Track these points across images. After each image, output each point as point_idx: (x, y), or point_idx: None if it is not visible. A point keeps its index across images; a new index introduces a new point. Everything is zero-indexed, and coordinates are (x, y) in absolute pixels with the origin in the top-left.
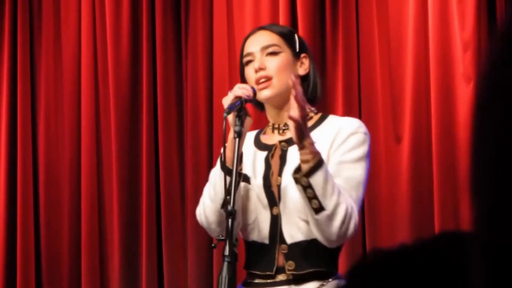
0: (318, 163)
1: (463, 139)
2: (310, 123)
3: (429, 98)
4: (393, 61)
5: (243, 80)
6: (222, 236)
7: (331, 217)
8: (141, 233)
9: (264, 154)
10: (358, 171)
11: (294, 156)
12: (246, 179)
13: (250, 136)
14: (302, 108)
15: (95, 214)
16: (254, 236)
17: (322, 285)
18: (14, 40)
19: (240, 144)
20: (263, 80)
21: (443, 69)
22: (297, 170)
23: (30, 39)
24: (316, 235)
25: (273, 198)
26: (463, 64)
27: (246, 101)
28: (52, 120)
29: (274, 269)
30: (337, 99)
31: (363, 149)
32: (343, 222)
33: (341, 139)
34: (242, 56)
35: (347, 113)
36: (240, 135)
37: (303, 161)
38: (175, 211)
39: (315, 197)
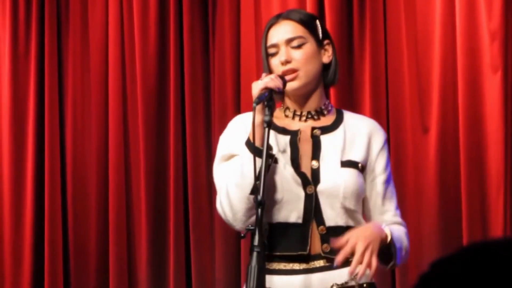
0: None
1: (491, 130)
2: (332, 116)
3: (456, 89)
4: (420, 52)
5: (266, 67)
6: (251, 226)
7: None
8: (169, 224)
9: (287, 137)
10: (393, 187)
11: (328, 143)
12: (271, 158)
13: (247, 119)
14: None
15: (123, 206)
16: (281, 217)
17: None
18: (41, 34)
19: (269, 133)
20: (289, 73)
21: (470, 59)
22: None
23: (58, 33)
24: None
25: (305, 178)
26: (491, 55)
27: (276, 92)
28: (79, 113)
29: (308, 248)
30: (364, 90)
31: (388, 157)
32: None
33: (376, 154)
34: (265, 45)
35: (374, 104)
36: (269, 125)
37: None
38: (202, 202)
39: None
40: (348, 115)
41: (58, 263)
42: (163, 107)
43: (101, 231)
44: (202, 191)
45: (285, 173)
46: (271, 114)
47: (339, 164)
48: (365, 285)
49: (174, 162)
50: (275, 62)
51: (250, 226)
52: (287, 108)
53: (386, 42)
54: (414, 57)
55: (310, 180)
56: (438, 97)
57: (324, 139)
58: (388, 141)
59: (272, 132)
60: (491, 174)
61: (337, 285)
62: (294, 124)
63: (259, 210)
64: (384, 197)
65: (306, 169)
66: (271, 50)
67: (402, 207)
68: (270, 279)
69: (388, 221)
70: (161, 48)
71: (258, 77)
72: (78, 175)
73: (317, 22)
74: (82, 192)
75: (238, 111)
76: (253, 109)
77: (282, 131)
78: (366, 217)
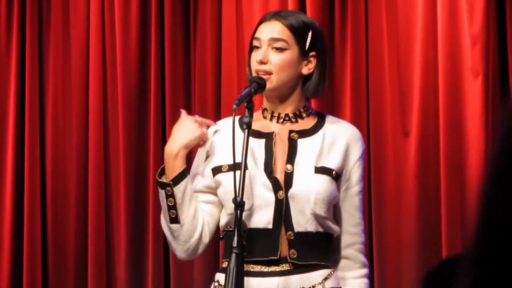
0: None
1: (471, 134)
2: (312, 119)
3: (437, 93)
4: (401, 56)
5: (248, 59)
6: (230, 227)
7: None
8: (148, 224)
9: (261, 141)
10: (361, 202)
11: (305, 148)
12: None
13: (230, 122)
14: None
15: (102, 205)
16: (252, 222)
17: (326, 278)
18: (22, 34)
19: (249, 135)
20: (261, 73)
21: (452, 63)
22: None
23: (39, 32)
24: None
25: (277, 182)
26: (472, 59)
27: (256, 91)
28: (60, 113)
29: (279, 253)
30: (345, 94)
31: (363, 168)
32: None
33: (354, 161)
34: (252, 37)
35: (355, 107)
36: (249, 126)
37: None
38: None
39: None
40: (330, 120)
41: (36, 261)
42: (144, 107)
43: (80, 230)
44: None
45: (256, 178)
46: (251, 115)
47: (313, 170)
48: None
49: (153, 162)
50: (254, 56)
51: (229, 227)
52: (265, 109)
53: (367, 45)
54: (395, 60)
55: (281, 185)
56: (418, 101)
57: (301, 143)
58: (368, 144)
59: (242, 135)
60: (471, 178)
61: None
62: (272, 126)
63: (238, 211)
64: (356, 208)
65: (280, 173)
66: (255, 43)
67: (382, 210)
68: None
69: (352, 258)
70: (142, 48)
71: (238, 77)
72: (58, 174)
73: (310, 32)
74: (62, 191)
75: (218, 111)
76: (233, 111)
77: (257, 134)
78: (338, 223)
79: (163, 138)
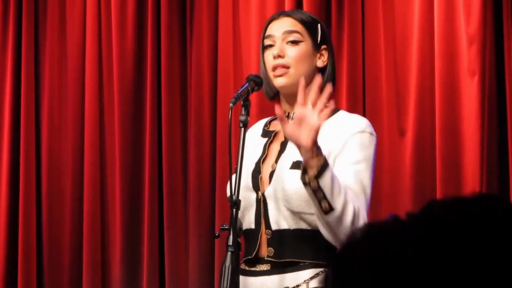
0: (325, 164)
1: (467, 134)
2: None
3: (434, 93)
4: (398, 55)
5: (262, 61)
6: (225, 226)
7: (340, 217)
8: (143, 223)
9: (263, 140)
10: (365, 173)
11: (293, 145)
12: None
13: (260, 124)
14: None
15: (97, 204)
16: (244, 224)
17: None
18: (19, 32)
19: (245, 133)
20: (279, 69)
21: (448, 63)
22: (304, 171)
23: (35, 31)
24: (327, 236)
25: (256, 182)
26: (468, 59)
27: (253, 90)
28: (56, 111)
29: (254, 253)
30: (341, 92)
31: (369, 150)
32: (352, 222)
33: (347, 137)
34: (263, 38)
35: (351, 106)
36: (245, 125)
37: (309, 165)
38: (177, 201)
39: (324, 197)
40: (340, 114)
41: (31, 259)
42: (140, 106)
43: (75, 228)
44: (177, 191)
45: (242, 179)
46: (247, 114)
47: (290, 165)
48: None
49: (149, 161)
50: (268, 55)
51: (224, 225)
52: (284, 110)
53: (364, 45)
54: (391, 60)
55: (259, 185)
56: (415, 100)
57: None
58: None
59: (257, 137)
60: (467, 178)
61: None
62: (278, 127)
63: (234, 210)
64: (350, 177)
65: (265, 172)
66: (267, 41)
67: (378, 209)
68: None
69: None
70: (139, 47)
71: (234, 77)
72: (53, 172)
73: (319, 25)
74: (57, 189)
75: (214, 110)
76: (230, 109)
77: (266, 133)
78: None
79: (159, 137)
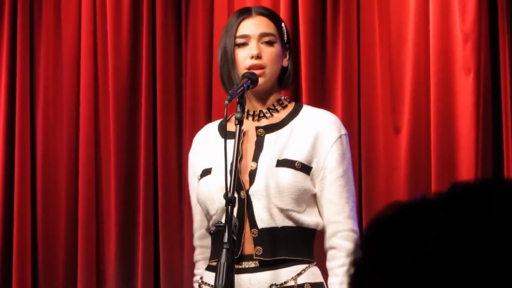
0: None
1: (462, 132)
2: (285, 112)
3: (429, 90)
4: (393, 53)
5: (231, 58)
6: (221, 223)
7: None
8: (138, 220)
9: (232, 141)
10: (348, 185)
11: (271, 143)
12: (207, 172)
13: (212, 127)
14: None
15: (92, 201)
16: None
17: (300, 274)
18: (13, 28)
19: (241, 130)
20: (255, 69)
21: (443, 61)
22: None
23: (30, 27)
24: None
25: (238, 182)
26: (463, 56)
27: (248, 87)
28: (51, 108)
29: (239, 252)
30: (336, 90)
31: (347, 156)
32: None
33: (327, 149)
34: (234, 35)
35: (346, 104)
36: (241, 122)
37: None
38: (172, 199)
39: None
40: (305, 110)
41: (26, 257)
42: (135, 103)
43: (70, 226)
44: (172, 188)
45: (219, 181)
46: (243, 111)
47: (275, 164)
48: (306, 285)
49: (144, 158)
50: (242, 54)
51: (219, 223)
52: (248, 109)
53: (359, 42)
54: (387, 57)
55: (241, 185)
56: (410, 97)
57: (269, 138)
58: (359, 141)
59: (217, 140)
60: (462, 176)
61: (276, 285)
62: (245, 125)
63: (229, 207)
64: (338, 195)
65: (245, 171)
66: (240, 41)
67: (372, 207)
68: (210, 276)
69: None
70: (134, 44)
71: None
72: (48, 170)
73: (283, 24)
74: (52, 186)
75: (209, 107)
76: (225, 107)
77: (231, 135)
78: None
79: (154, 134)
